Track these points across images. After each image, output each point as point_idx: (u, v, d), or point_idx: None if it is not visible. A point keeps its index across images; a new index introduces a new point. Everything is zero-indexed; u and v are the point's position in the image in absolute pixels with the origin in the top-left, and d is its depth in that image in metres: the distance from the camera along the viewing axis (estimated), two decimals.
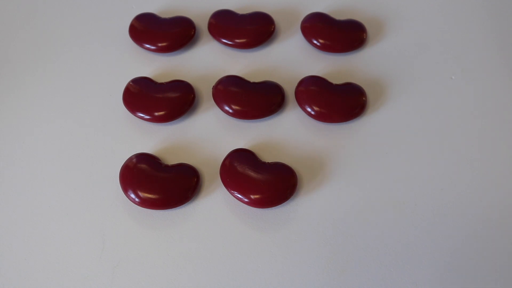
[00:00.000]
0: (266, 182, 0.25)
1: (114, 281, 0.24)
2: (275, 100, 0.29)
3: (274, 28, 0.32)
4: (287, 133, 0.29)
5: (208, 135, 0.29)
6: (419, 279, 0.24)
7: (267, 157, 0.28)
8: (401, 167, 0.27)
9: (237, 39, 0.31)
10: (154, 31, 0.32)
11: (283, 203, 0.26)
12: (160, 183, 0.26)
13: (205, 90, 0.30)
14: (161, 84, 0.30)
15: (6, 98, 0.30)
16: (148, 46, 0.31)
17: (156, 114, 0.28)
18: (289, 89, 0.30)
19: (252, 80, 0.30)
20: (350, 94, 0.29)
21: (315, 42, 0.31)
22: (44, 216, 0.26)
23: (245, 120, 0.29)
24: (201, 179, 0.27)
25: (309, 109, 0.29)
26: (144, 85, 0.29)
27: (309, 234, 0.25)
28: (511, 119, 0.29)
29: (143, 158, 0.27)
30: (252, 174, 0.26)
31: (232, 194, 0.26)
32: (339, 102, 0.29)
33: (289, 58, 0.32)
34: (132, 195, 0.25)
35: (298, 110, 0.30)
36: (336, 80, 0.30)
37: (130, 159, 0.27)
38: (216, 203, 0.26)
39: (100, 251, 0.25)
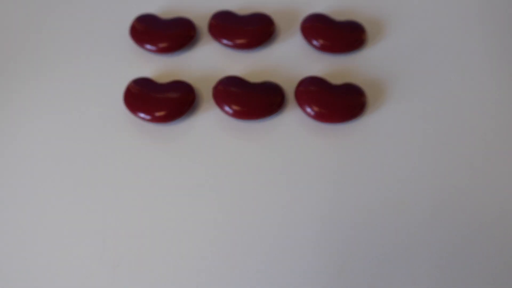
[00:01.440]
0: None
1: (114, 281, 0.24)
2: (275, 101, 0.29)
3: (274, 29, 0.32)
4: (287, 134, 0.29)
5: (208, 136, 0.29)
6: (419, 279, 0.24)
7: (267, 157, 0.28)
8: (401, 167, 0.28)
9: (237, 39, 0.31)
10: (154, 32, 0.32)
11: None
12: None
13: (205, 91, 0.30)
14: (162, 84, 0.30)
15: (6, 99, 0.30)
16: (148, 46, 0.31)
17: (157, 114, 0.28)
18: (289, 90, 0.30)
19: (252, 80, 0.30)
20: (350, 94, 0.29)
21: (315, 42, 0.31)
22: (44, 216, 0.26)
23: (245, 120, 0.29)
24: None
25: (309, 110, 0.29)
26: (144, 86, 0.29)
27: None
28: (511, 119, 0.29)
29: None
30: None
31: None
32: (339, 103, 0.29)
33: (289, 59, 0.32)
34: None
35: (298, 110, 0.30)
36: (336, 80, 0.30)
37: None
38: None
39: (100, 251, 0.25)
